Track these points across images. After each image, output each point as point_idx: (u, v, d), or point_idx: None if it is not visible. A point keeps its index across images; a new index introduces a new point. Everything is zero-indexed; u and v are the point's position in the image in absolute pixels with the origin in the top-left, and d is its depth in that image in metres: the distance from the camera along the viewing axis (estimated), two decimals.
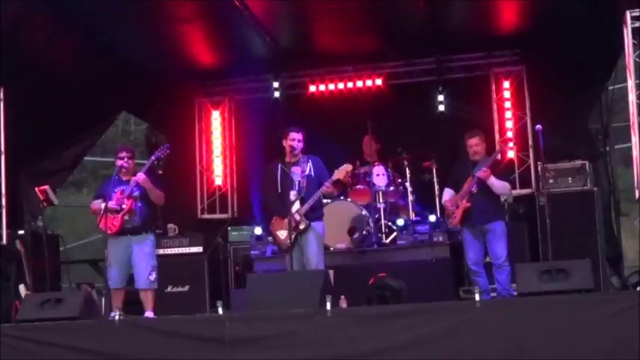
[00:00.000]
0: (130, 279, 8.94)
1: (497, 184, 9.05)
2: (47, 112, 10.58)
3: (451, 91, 12.13)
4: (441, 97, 12.15)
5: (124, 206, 8.70)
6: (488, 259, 9.29)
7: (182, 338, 7.43)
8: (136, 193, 8.78)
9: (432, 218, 10.78)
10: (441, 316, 7.13)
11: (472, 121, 11.68)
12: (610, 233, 11.12)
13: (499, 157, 9.68)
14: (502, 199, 9.61)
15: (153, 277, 8.81)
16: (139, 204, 8.79)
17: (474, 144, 9.21)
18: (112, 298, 8.66)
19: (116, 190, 8.77)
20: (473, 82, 12.00)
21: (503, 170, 9.48)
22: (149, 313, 8.80)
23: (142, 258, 8.78)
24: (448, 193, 9.30)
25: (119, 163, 8.88)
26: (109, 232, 8.65)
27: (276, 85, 12.62)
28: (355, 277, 9.75)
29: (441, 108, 12.15)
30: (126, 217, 8.73)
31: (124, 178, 8.90)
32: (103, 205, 8.59)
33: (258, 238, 11.05)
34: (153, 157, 8.98)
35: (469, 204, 9.00)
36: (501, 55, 11.94)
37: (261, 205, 10.78)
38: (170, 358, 7.40)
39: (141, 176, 8.72)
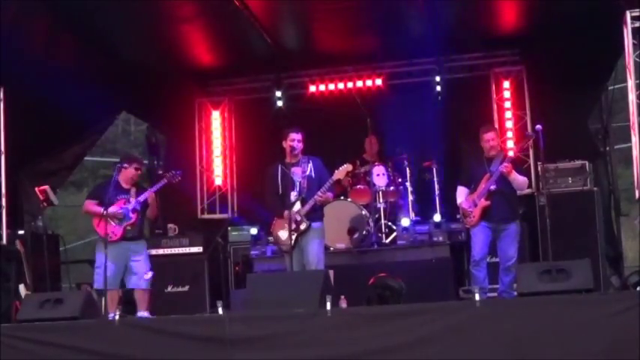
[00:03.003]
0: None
1: (519, 179, 9.01)
2: (47, 112, 10.57)
3: (451, 91, 12.12)
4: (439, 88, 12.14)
5: (130, 216, 9.03)
6: (491, 260, 9.28)
7: (182, 338, 7.43)
8: (138, 207, 9.15)
9: (437, 218, 10.77)
10: (441, 316, 7.12)
11: (472, 121, 11.70)
12: (610, 233, 11.11)
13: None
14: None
15: (151, 277, 9.19)
16: (140, 217, 9.20)
17: (491, 138, 9.11)
18: (107, 300, 8.74)
19: (118, 198, 9.07)
20: (473, 82, 12.00)
21: (519, 165, 9.43)
22: (145, 313, 9.01)
23: (142, 261, 9.14)
24: (463, 192, 9.17)
25: (131, 173, 9.18)
26: (109, 239, 8.87)
27: (276, 85, 12.62)
28: (355, 277, 9.74)
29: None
30: (128, 228, 9.06)
31: (125, 186, 9.19)
32: (103, 211, 8.81)
33: (255, 238, 11.05)
34: (165, 180, 9.34)
35: (488, 202, 8.91)
36: (501, 55, 11.93)
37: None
38: (170, 358, 7.38)
39: (152, 195, 9.20)
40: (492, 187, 8.94)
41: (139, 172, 9.29)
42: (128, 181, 9.21)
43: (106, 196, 8.94)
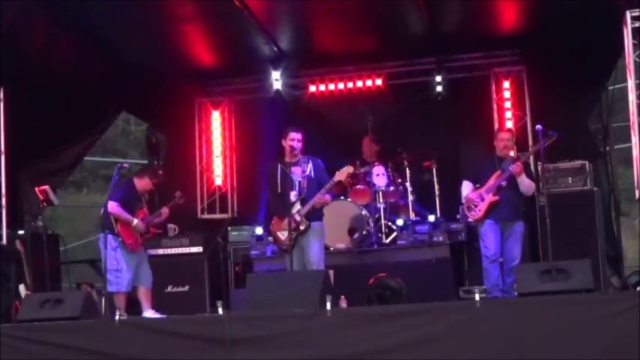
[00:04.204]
0: None
1: (526, 182, 9.06)
2: (47, 112, 10.57)
3: (451, 91, 12.12)
4: (439, 88, 12.10)
5: (150, 230, 9.61)
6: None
7: (182, 338, 7.44)
8: (157, 223, 9.84)
9: (432, 218, 10.78)
10: (441, 316, 7.13)
11: (472, 121, 11.71)
12: (610, 233, 11.10)
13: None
14: None
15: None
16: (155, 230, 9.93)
17: (507, 138, 9.27)
18: (118, 301, 9.12)
19: (139, 207, 9.54)
20: (473, 82, 12.00)
21: (528, 170, 9.48)
22: (151, 311, 9.23)
23: (147, 262, 9.57)
24: (468, 186, 9.22)
25: (149, 186, 9.65)
26: (130, 248, 9.32)
27: (276, 85, 12.61)
28: (355, 277, 9.74)
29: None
30: (143, 239, 9.56)
31: (140, 194, 9.64)
32: (134, 223, 9.34)
33: (259, 238, 11.04)
34: (174, 202, 9.87)
35: (497, 197, 8.98)
36: (501, 55, 11.93)
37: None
38: (170, 358, 7.39)
39: (167, 212, 9.78)
40: (503, 184, 9.02)
41: (154, 188, 9.72)
42: (142, 190, 9.63)
43: (129, 201, 9.41)
